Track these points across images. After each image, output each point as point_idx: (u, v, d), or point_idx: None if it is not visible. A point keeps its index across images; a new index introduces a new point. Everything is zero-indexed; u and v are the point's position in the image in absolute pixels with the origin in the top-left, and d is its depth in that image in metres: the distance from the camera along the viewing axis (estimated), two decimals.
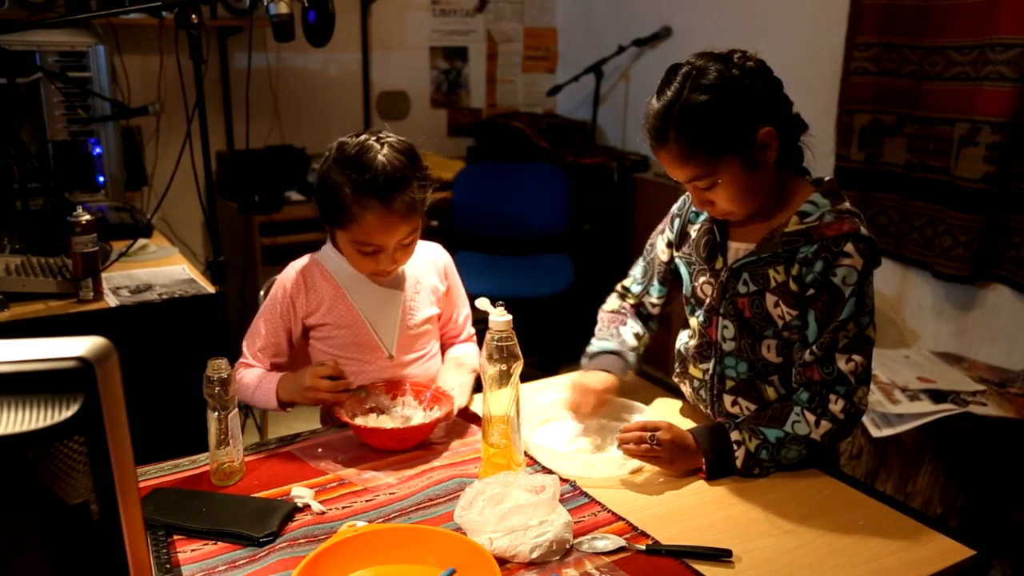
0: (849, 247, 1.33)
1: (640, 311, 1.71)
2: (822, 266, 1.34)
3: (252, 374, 1.57)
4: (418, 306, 1.63)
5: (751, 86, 1.33)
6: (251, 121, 3.39)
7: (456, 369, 1.65)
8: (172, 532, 1.18)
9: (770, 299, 1.41)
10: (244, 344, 1.60)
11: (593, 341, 1.67)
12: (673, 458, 1.34)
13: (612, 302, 1.75)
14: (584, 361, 1.65)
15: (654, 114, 1.36)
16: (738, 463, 1.35)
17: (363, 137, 1.49)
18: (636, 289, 1.71)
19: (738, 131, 1.33)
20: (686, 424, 1.53)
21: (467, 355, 1.71)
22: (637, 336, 1.66)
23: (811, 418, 1.35)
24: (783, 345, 1.44)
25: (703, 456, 1.35)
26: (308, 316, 1.60)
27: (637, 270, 1.72)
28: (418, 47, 4.23)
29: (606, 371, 1.58)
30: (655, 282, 1.67)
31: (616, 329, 1.67)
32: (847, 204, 1.39)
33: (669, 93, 1.34)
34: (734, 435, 1.36)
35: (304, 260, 1.62)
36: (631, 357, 1.63)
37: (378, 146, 1.47)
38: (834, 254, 1.34)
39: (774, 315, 1.42)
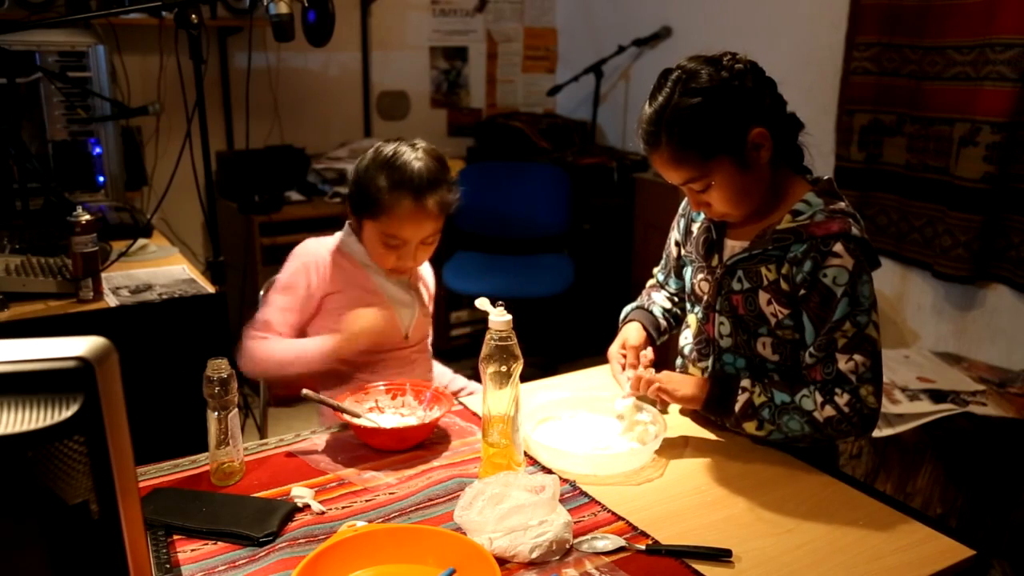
0: (838, 247, 1.34)
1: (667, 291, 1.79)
2: (811, 266, 1.36)
3: (281, 341, 1.65)
4: (425, 292, 1.81)
5: (740, 87, 1.35)
6: (251, 121, 3.39)
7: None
8: (172, 532, 1.18)
9: (763, 296, 1.43)
10: (262, 320, 1.66)
11: (625, 309, 1.77)
12: (677, 386, 1.46)
13: (650, 282, 1.84)
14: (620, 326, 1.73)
15: (646, 119, 1.39)
16: (736, 407, 1.40)
17: (397, 143, 1.66)
18: (661, 278, 1.80)
19: (728, 132, 1.35)
20: (686, 424, 1.54)
21: None
22: (670, 299, 1.74)
23: (819, 398, 1.37)
24: (778, 343, 1.45)
25: (707, 386, 1.43)
26: (328, 296, 1.70)
27: (662, 260, 1.79)
28: (418, 47, 4.23)
29: (636, 322, 1.67)
30: (672, 275, 1.74)
31: (649, 294, 1.77)
32: (842, 204, 1.40)
33: (660, 98, 1.37)
34: (744, 383, 1.41)
35: (322, 243, 1.72)
36: (658, 311, 1.71)
37: (413, 151, 1.66)
38: (823, 254, 1.35)
39: (767, 313, 1.43)
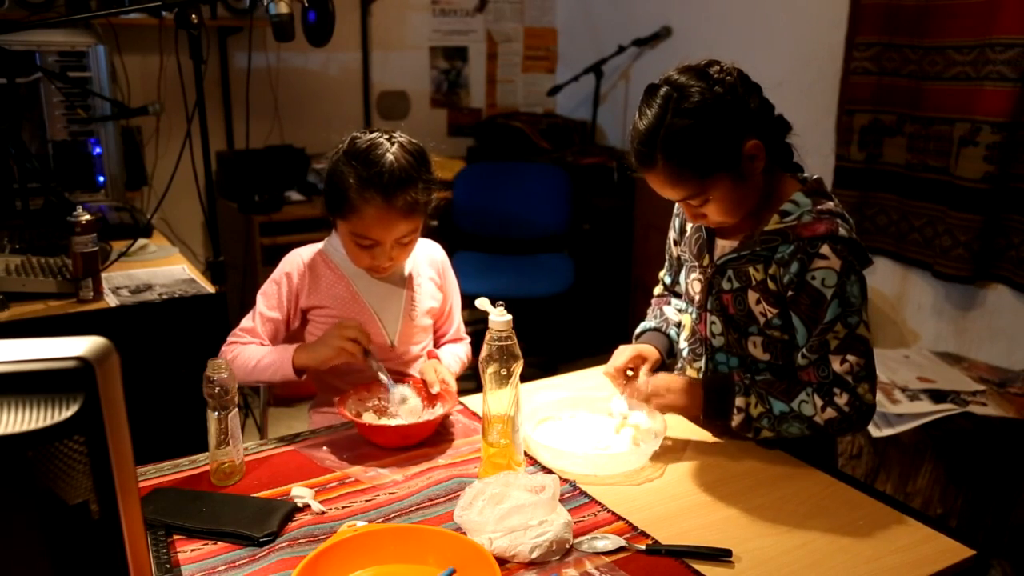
0: (825, 249, 1.34)
1: (677, 294, 1.77)
2: (797, 267, 1.36)
3: (253, 348, 1.57)
4: (420, 298, 1.69)
5: (733, 102, 1.33)
6: (251, 121, 3.39)
7: (451, 357, 1.71)
8: (172, 532, 1.18)
9: (752, 296, 1.44)
10: (239, 326, 1.61)
11: (640, 325, 1.74)
12: (674, 400, 1.46)
13: (657, 288, 1.82)
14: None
15: (638, 139, 1.36)
16: (733, 424, 1.41)
17: (375, 134, 1.54)
18: (668, 280, 1.78)
19: (725, 150, 1.34)
20: (686, 425, 1.54)
21: (458, 352, 1.76)
22: (680, 312, 1.71)
23: (819, 402, 1.37)
24: (768, 342, 1.46)
25: (702, 397, 1.44)
26: (310, 307, 1.63)
27: (666, 262, 1.78)
28: (418, 47, 4.23)
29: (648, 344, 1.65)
30: (678, 275, 1.73)
31: (660, 310, 1.74)
32: (831, 204, 1.40)
33: (652, 117, 1.34)
34: (739, 401, 1.39)
35: (310, 250, 1.66)
36: (673, 331, 1.68)
37: (388, 144, 1.52)
38: (809, 256, 1.35)
39: (756, 312, 1.44)
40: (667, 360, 1.66)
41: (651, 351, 1.62)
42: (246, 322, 1.61)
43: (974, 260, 2.56)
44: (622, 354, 1.59)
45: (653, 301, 1.80)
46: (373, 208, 1.49)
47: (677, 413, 1.50)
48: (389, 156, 1.49)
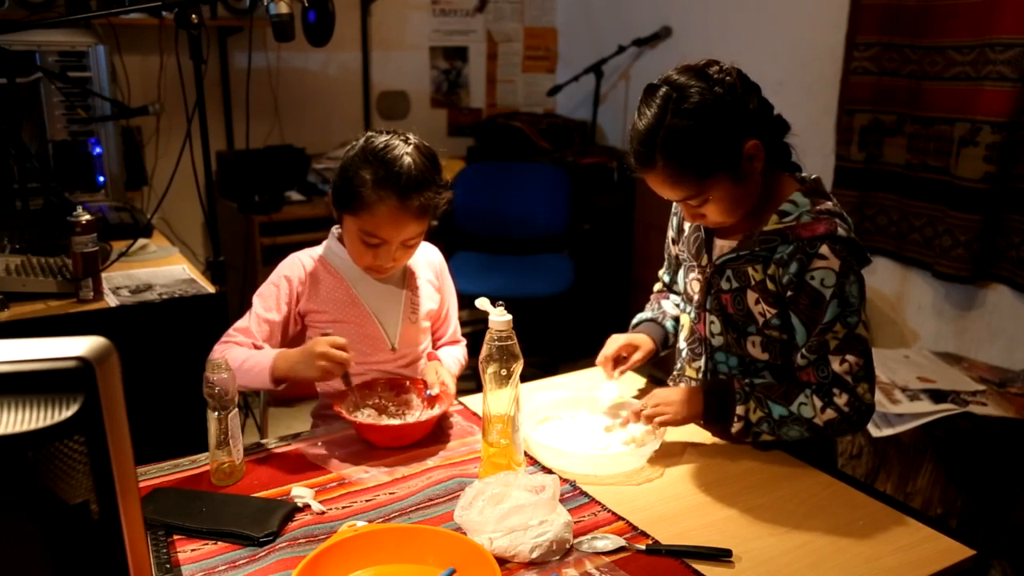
0: (824, 249, 1.34)
1: (676, 293, 1.77)
2: (797, 267, 1.36)
3: (242, 349, 1.53)
4: (420, 300, 1.69)
5: (732, 102, 1.33)
6: (251, 121, 3.39)
7: (449, 359, 1.71)
8: (172, 532, 1.18)
9: (751, 296, 1.44)
10: (234, 326, 1.59)
11: (636, 316, 1.75)
12: (678, 409, 1.45)
13: (657, 286, 1.83)
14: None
15: (638, 139, 1.36)
16: (733, 430, 1.41)
17: (390, 135, 1.55)
18: (667, 279, 1.78)
19: (725, 150, 1.34)
20: (686, 425, 1.54)
21: (456, 354, 1.76)
22: (678, 307, 1.71)
23: (818, 403, 1.37)
24: (767, 342, 1.46)
25: (703, 405, 1.44)
26: (309, 311, 1.62)
27: (665, 261, 1.78)
28: (418, 47, 4.23)
29: (642, 334, 1.68)
30: (676, 273, 1.73)
31: (658, 303, 1.75)
32: (829, 204, 1.40)
33: (651, 117, 1.34)
34: (739, 409, 1.40)
35: (309, 256, 1.65)
36: (669, 323, 1.69)
37: (404, 145, 1.53)
38: (808, 256, 1.35)
39: (755, 312, 1.44)
40: (661, 352, 1.67)
41: (644, 340, 1.63)
42: (241, 323, 1.60)
43: (974, 260, 2.56)
44: (614, 342, 1.61)
45: (652, 296, 1.81)
46: (387, 207, 1.49)
47: (681, 425, 1.47)
48: (407, 158, 1.50)
